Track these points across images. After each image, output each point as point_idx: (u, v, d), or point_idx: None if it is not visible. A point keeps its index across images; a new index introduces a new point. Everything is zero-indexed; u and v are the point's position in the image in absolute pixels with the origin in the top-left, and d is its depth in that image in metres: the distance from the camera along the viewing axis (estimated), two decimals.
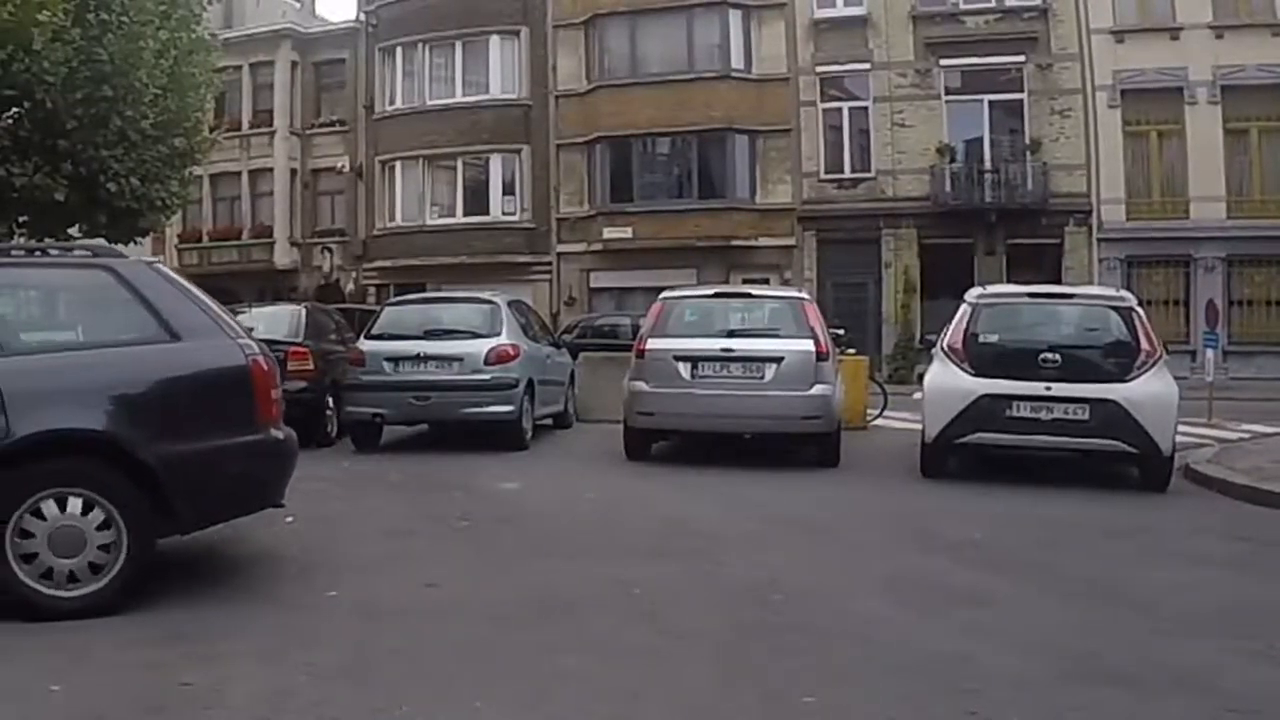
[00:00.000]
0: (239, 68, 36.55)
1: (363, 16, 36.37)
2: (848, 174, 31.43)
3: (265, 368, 6.71)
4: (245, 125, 37.41)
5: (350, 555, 6.79)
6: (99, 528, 5.96)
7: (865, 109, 31.36)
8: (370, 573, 6.67)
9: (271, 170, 37.34)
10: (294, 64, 37.53)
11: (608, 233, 31.78)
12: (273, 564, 6.36)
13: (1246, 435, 15.95)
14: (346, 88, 37.13)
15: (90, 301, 6.74)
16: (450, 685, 4.86)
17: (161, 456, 6.06)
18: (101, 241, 7.06)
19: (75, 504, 5.93)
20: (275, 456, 6.73)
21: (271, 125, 37.36)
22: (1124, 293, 12.77)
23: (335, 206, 37.66)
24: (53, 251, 7.60)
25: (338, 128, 37.20)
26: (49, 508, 5.90)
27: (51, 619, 5.73)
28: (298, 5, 45.18)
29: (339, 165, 36.64)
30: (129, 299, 6.49)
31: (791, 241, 31.29)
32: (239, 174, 37.54)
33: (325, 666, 5.08)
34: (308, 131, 37.60)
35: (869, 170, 31.18)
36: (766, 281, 28.91)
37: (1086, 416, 10.79)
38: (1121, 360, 11.08)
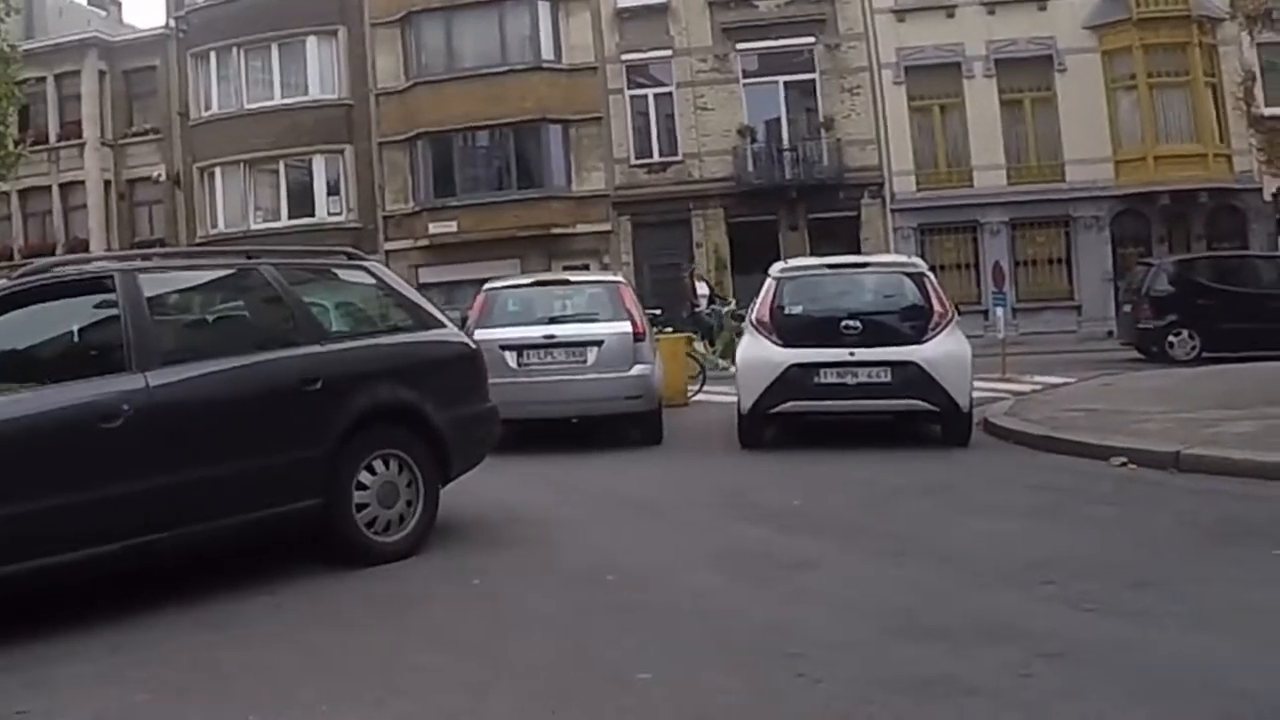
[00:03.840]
0: (43, 79, 34.72)
1: (172, 22, 34.95)
2: (656, 158, 31.64)
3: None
4: (53, 138, 35.66)
5: (186, 566, 6.54)
6: (406, 485, 7.15)
7: (669, 94, 31.64)
8: (207, 584, 6.42)
9: (84, 183, 35.51)
10: (102, 73, 35.75)
11: (433, 228, 31.39)
12: (102, 580, 6.08)
13: (1038, 387, 16.53)
14: (159, 95, 35.54)
15: (363, 296, 8.07)
16: (298, 691, 4.72)
17: (444, 421, 7.33)
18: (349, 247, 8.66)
19: (393, 464, 7.07)
20: (497, 422, 8.35)
21: (81, 137, 35.56)
22: (915, 259, 13.11)
23: (154, 216, 35.99)
24: (320, 253, 8.82)
25: (151, 136, 35.58)
26: (378, 466, 6.99)
27: (376, 564, 6.83)
28: (103, 13, 43.22)
29: (155, 174, 35.06)
30: (386, 295, 7.99)
31: (608, 227, 31.37)
32: (49, 188, 35.67)
33: (168, 683, 4.89)
34: (120, 141, 35.88)
35: (676, 154, 31.47)
36: (586, 267, 28.95)
37: (889, 379, 11.01)
38: (917, 323, 11.32)
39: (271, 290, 7.06)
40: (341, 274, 8.11)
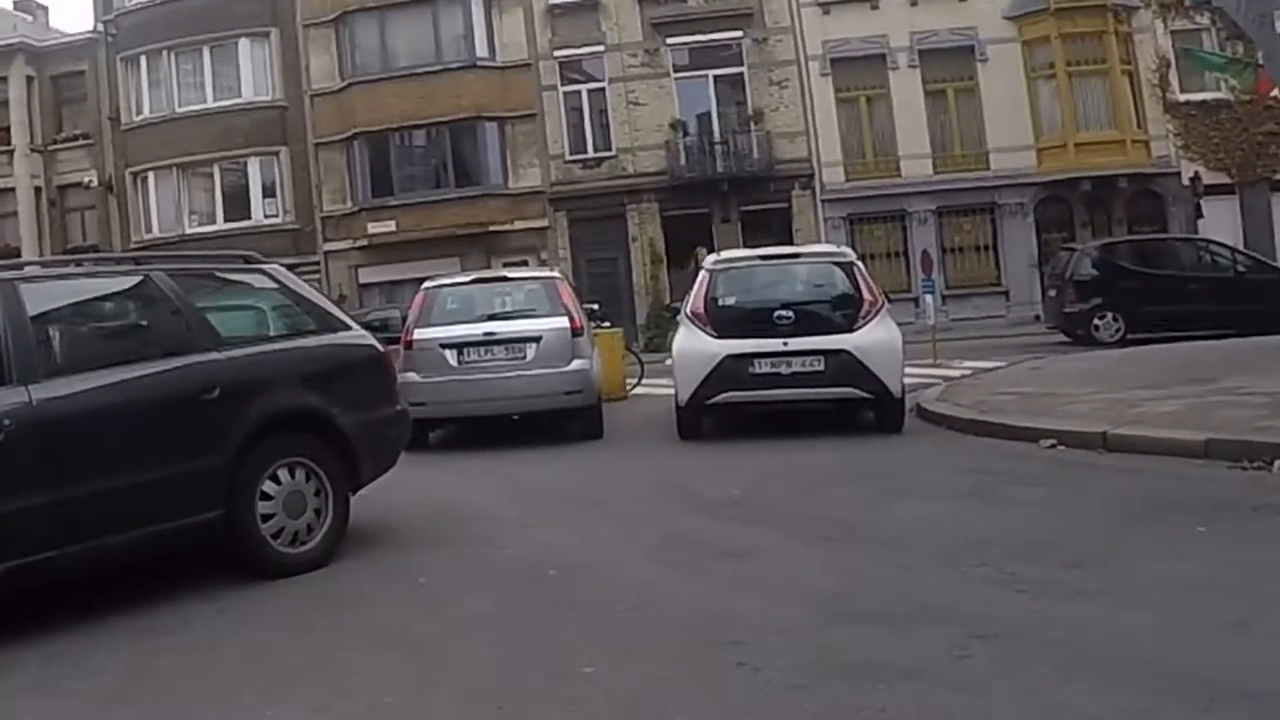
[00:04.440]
0: None
1: (100, 26, 34.23)
2: (591, 154, 31.49)
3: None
4: None
5: (121, 574, 6.42)
6: (314, 493, 6.90)
7: (602, 90, 31.52)
8: (144, 591, 6.28)
9: (13, 190, 34.45)
10: (29, 78, 34.80)
11: (372, 228, 31.03)
12: (33, 591, 5.94)
13: (968, 372, 16.69)
14: (89, 100, 34.68)
15: (263, 301, 7.62)
16: (239, 695, 4.65)
17: (352, 426, 7.10)
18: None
19: (299, 473, 6.82)
20: (408, 425, 8.12)
21: (9, 143, 34.53)
22: (844, 249, 13.23)
23: (86, 222, 35.09)
24: (216, 258, 8.69)
25: (82, 141, 34.70)
26: (283, 475, 6.74)
27: (283, 576, 6.55)
28: (30, 18, 42.32)
29: (87, 180, 34.16)
30: (287, 299, 7.62)
31: (544, 223, 31.22)
32: None
33: (105, 692, 4.80)
34: (50, 147, 34.94)
35: (610, 149, 31.35)
36: (525, 264, 28.80)
37: (822, 367, 11.07)
38: (848, 312, 11.40)
39: (165, 297, 6.73)
40: (239, 278, 7.79)
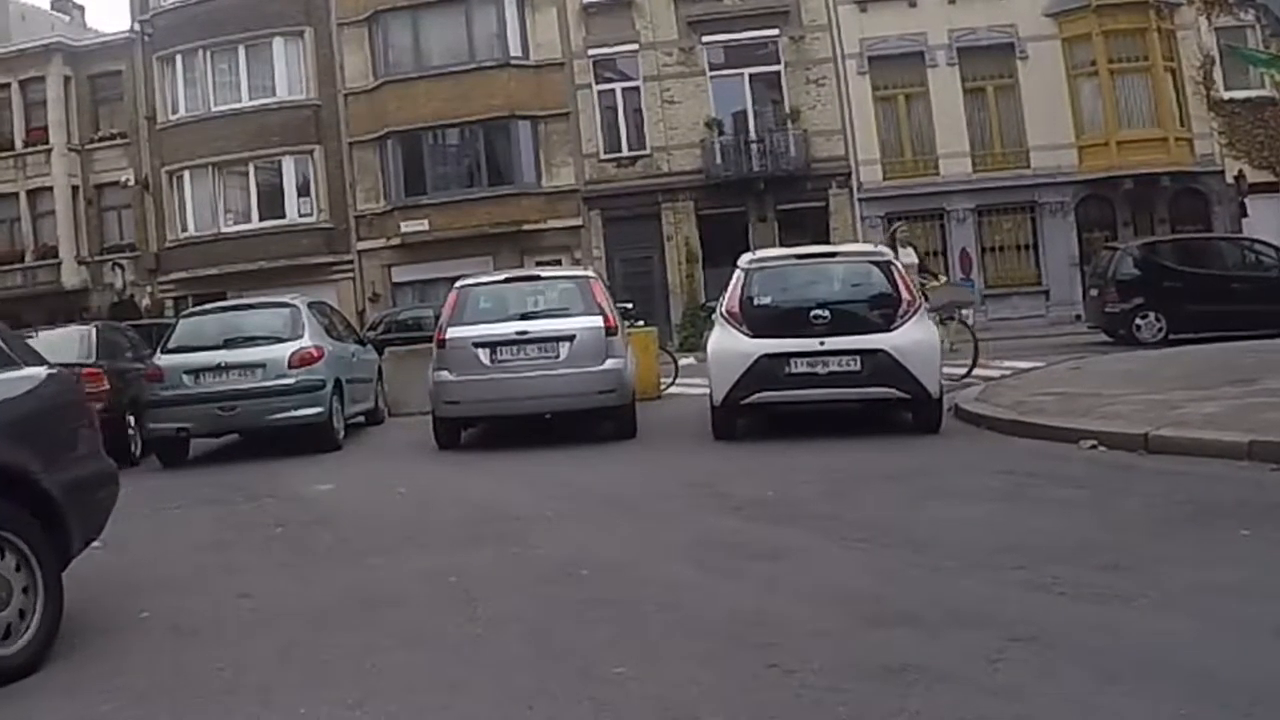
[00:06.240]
0: (7, 85, 34.75)
1: (137, 26, 34.67)
2: (625, 153, 31.65)
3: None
4: (19, 144, 35.26)
5: (162, 574, 6.45)
6: (21, 579, 5.14)
7: (637, 88, 31.71)
8: (183, 589, 6.35)
9: (51, 189, 35.00)
10: (67, 78, 35.31)
11: (405, 226, 31.30)
12: (77, 590, 5.96)
13: (1007, 372, 16.53)
14: (125, 99, 35.23)
15: None
16: (272, 693, 4.66)
17: (59, 487, 5.40)
18: None
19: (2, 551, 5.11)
20: (117, 484, 6.27)
21: (48, 142, 35.05)
22: (882, 247, 13.17)
23: (123, 221, 35.67)
24: None
25: (119, 140, 35.23)
26: None
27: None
28: (67, 19, 42.87)
29: (123, 179, 34.58)
30: None
31: (578, 222, 31.33)
32: (16, 195, 35.23)
33: (141, 690, 4.81)
34: (87, 146, 35.46)
35: (645, 148, 31.48)
36: (558, 263, 28.90)
37: (859, 367, 11.02)
38: (885, 311, 11.36)
39: None
40: None
